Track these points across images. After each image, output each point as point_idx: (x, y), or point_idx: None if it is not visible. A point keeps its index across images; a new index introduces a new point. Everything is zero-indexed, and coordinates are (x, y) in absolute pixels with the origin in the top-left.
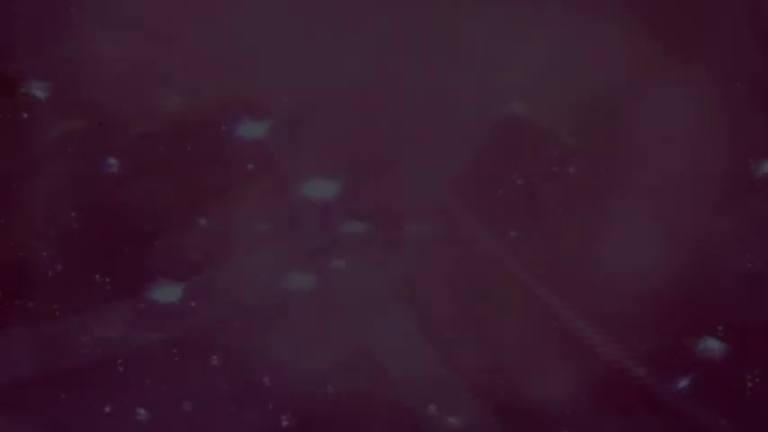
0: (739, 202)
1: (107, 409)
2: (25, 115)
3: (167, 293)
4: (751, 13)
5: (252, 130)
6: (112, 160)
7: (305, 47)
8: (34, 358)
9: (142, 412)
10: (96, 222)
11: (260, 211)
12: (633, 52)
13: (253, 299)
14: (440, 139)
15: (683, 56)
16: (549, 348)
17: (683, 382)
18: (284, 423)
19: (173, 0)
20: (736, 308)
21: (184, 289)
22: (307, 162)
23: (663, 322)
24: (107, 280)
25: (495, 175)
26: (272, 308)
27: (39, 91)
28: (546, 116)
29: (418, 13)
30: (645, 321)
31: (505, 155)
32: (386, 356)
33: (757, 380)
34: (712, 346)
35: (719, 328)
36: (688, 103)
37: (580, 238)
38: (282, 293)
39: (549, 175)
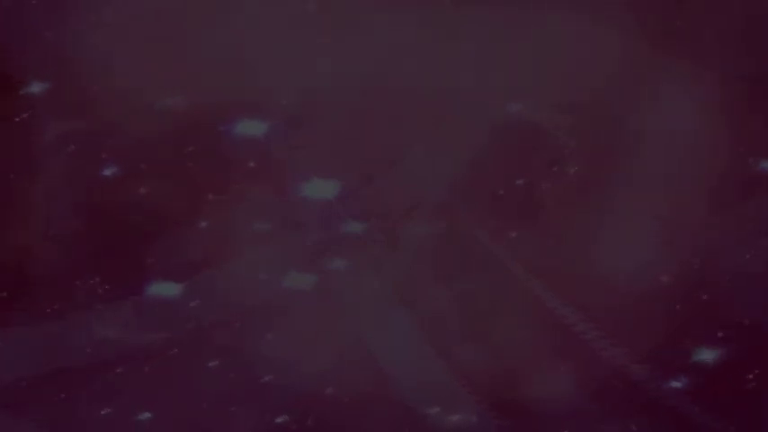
0: (739, 202)
1: (107, 410)
2: (25, 115)
3: (167, 293)
4: (750, 12)
5: (251, 129)
6: (112, 160)
7: (304, 47)
8: (34, 358)
9: (142, 412)
10: (96, 222)
11: (260, 211)
12: (633, 52)
13: (253, 299)
14: (440, 139)
15: (683, 55)
16: (549, 348)
17: (684, 382)
18: (284, 423)
19: (172, 0)
20: (737, 308)
21: (184, 288)
22: (307, 162)
23: (663, 322)
24: (107, 280)
25: (495, 174)
26: (272, 308)
27: (38, 91)
28: (546, 116)
29: (419, 13)
30: (645, 321)
31: (505, 155)
32: (386, 356)
33: (757, 380)
34: (706, 357)
35: (719, 328)
36: (688, 103)
37: (580, 238)
38: (282, 293)
39: (549, 175)
